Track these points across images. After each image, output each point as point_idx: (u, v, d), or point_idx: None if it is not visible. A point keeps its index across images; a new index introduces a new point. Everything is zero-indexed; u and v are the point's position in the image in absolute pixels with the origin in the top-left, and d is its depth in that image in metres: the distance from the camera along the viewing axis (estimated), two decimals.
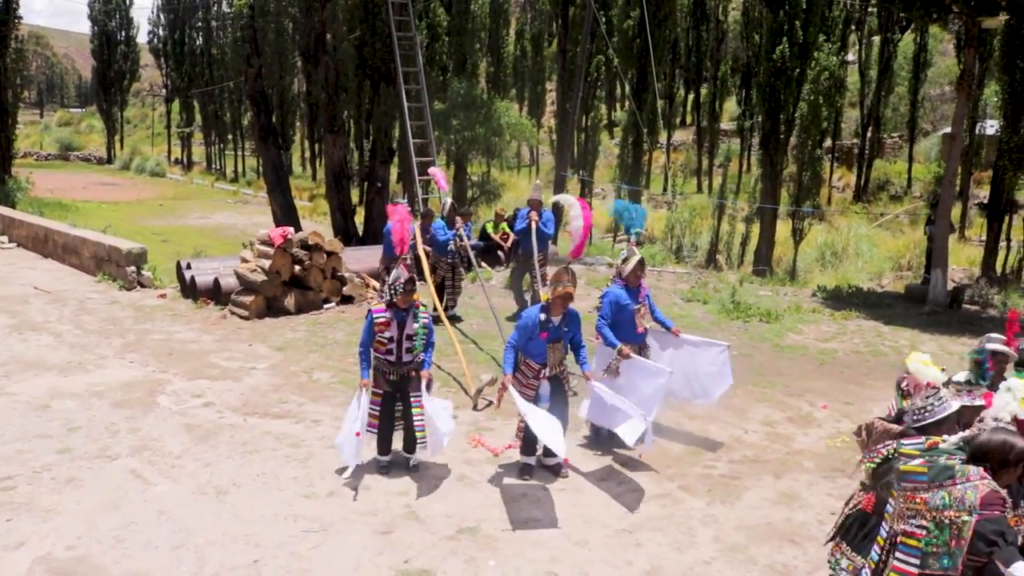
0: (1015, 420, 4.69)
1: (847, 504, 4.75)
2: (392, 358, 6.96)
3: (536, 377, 7.09)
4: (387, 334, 6.88)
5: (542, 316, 6.95)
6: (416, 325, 6.96)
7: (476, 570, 5.69)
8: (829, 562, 4.57)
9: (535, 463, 7.24)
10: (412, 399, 7.04)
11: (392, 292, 6.87)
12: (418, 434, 7.04)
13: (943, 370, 5.29)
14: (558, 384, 7.23)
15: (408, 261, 7.82)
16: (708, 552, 6.02)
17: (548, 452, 7.07)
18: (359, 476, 7.04)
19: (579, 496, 6.87)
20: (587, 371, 7.25)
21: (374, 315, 6.90)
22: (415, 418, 7.02)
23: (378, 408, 7.05)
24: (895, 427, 4.75)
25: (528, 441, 7.07)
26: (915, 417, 4.43)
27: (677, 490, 7.03)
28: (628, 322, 7.81)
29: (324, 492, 6.78)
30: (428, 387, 7.12)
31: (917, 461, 4.09)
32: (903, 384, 5.32)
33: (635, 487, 7.07)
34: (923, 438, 4.17)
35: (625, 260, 7.88)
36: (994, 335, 5.94)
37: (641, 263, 7.85)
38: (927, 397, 4.49)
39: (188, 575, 5.53)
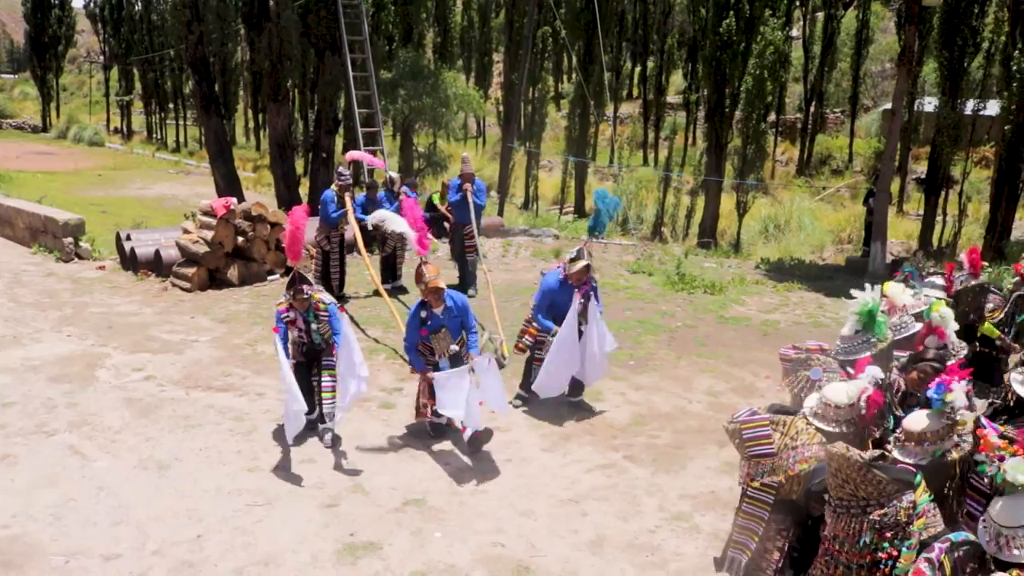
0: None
1: None
2: (305, 340, 7.29)
3: (433, 355, 7.35)
4: (294, 332, 7.21)
5: (422, 313, 7.24)
6: (316, 324, 7.21)
7: (422, 542, 5.70)
8: None
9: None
10: (324, 363, 7.30)
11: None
12: (325, 396, 7.19)
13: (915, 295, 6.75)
14: (459, 362, 7.36)
15: (301, 268, 7.70)
16: (653, 521, 6.10)
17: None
18: (303, 449, 7.00)
19: (525, 467, 6.91)
20: (473, 353, 7.30)
21: (280, 314, 7.16)
22: (324, 385, 7.22)
23: (293, 372, 7.12)
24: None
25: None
26: (895, 333, 6.11)
27: (622, 460, 7.11)
28: (561, 309, 7.80)
29: (268, 466, 6.73)
30: None
31: None
32: (882, 307, 6.17)
33: (580, 457, 7.12)
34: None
35: (573, 260, 7.76)
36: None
37: (587, 268, 7.77)
38: (901, 317, 6.24)
39: (129, 551, 5.45)
